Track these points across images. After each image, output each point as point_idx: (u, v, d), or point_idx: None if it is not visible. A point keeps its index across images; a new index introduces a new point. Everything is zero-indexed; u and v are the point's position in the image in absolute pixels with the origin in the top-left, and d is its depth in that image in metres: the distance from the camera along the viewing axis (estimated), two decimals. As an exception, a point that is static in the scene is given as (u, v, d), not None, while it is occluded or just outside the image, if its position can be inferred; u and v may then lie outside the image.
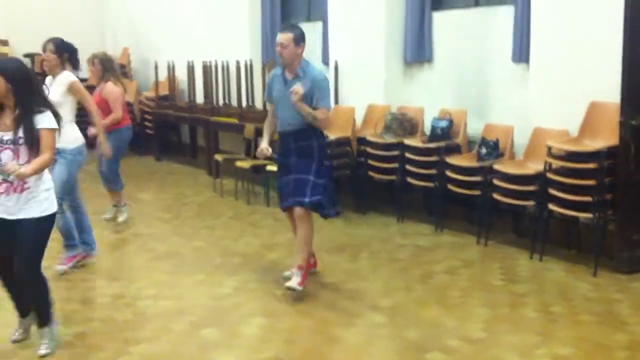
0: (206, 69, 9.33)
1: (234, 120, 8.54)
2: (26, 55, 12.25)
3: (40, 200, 3.69)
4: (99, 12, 12.91)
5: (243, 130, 8.18)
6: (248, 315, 4.40)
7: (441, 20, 7.00)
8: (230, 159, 8.05)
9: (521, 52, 6.04)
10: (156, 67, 10.36)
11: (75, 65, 5.35)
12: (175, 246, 5.96)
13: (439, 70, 7.09)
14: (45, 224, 3.73)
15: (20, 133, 3.60)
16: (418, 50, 7.13)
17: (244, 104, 8.74)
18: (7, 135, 3.64)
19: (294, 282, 4.58)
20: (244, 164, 7.66)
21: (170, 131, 11.03)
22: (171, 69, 10.03)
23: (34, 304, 3.87)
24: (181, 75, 10.16)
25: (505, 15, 6.25)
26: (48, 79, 5.24)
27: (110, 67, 6.60)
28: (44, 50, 5.21)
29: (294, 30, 4.61)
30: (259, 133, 7.98)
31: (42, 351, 3.80)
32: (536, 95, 5.83)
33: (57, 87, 5.11)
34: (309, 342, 3.98)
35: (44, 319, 3.86)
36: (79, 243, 5.30)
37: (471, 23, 6.73)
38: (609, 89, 5.08)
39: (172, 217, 7.00)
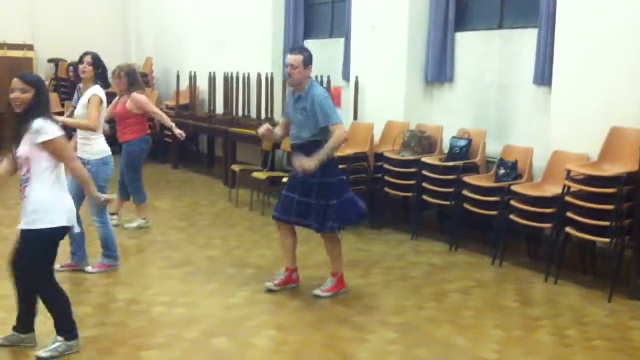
0: (227, 81, 9.41)
1: (253, 132, 8.58)
2: (50, 61, 12.47)
3: (32, 211, 3.67)
4: (124, 21, 13.09)
5: (261, 142, 8.22)
6: (259, 326, 4.39)
7: (464, 40, 7.01)
8: (247, 170, 8.09)
9: (544, 75, 6.04)
10: (178, 77, 10.47)
11: (105, 83, 5.45)
12: (189, 255, 5.98)
13: (459, 90, 7.10)
14: (37, 237, 3.69)
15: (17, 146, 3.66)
16: (439, 69, 7.15)
17: (263, 116, 8.79)
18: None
19: (320, 289, 4.93)
20: (261, 175, 7.69)
21: (189, 140, 11.10)
22: (193, 80, 10.12)
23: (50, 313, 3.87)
24: (202, 85, 10.24)
25: (529, 38, 6.26)
26: (80, 87, 5.53)
27: (135, 81, 6.70)
28: (81, 61, 5.34)
29: (304, 53, 4.80)
30: (276, 145, 8.03)
31: (41, 354, 3.78)
32: (557, 119, 5.82)
33: (85, 99, 5.28)
34: (319, 357, 3.96)
35: (60, 331, 3.84)
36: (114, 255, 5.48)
37: (494, 45, 6.73)
38: (631, 114, 5.07)
39: (187, 226, 7.03)
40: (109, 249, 5.42)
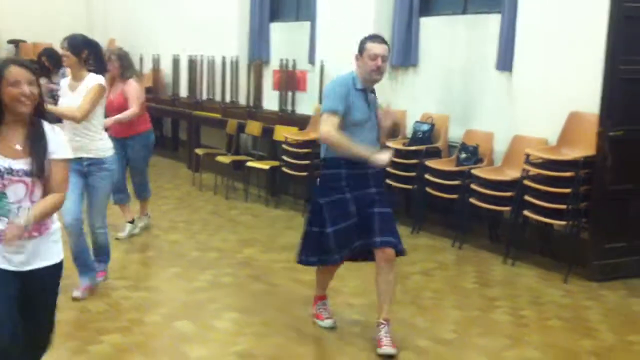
0: (192, 64, 9.33)
1: (217, 116, 8.55)
2: (10, 42, 12.18)
3: (57, 240, 2.83)
4: (88, 2, 12.84)
5: (225, 125, 8.19)
6: (221, 309, 4.40)
7: (428, 25, 7.04)
8: (211, 153, 8.05)
9: (505, 61, 6.10)
10: (141, 60, 10.33)
11: (98, 67, 4.64)
12: (151, 239, 5.95)
13: (423, 75, 7.14)
14: (61, 269, 2.87)
15: (37, 160, 2.65)
16: (404, 54, 7.18)
17: (227, 99, 8.75)
18: (18, 164, 2.63)
19: (388, 345, 3.76)
20: (225, 159, 7.67)
21: (152, 124, 10.98)
22: (156, 62, 10.00)
23: None
24: (166, 68, 10.13)
25: (492, 23, 6.31)
26: (64, 81, 4.64)
27: (129, 64, 5.87)
28: (62, 46, 4.53)
29: (386, 42, 3.95)
30: (241, 129, 8.01)
31: None
32: (518, 104, 5.90)
33: (83, 88, 4.40)
34: (282, 338, 3.99)
35: None
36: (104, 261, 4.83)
37: (458, 30, 6.78)
38: (589, 100, 5.16)
39: (150, 210, 6.96)
40: (109, 256, 4.86)
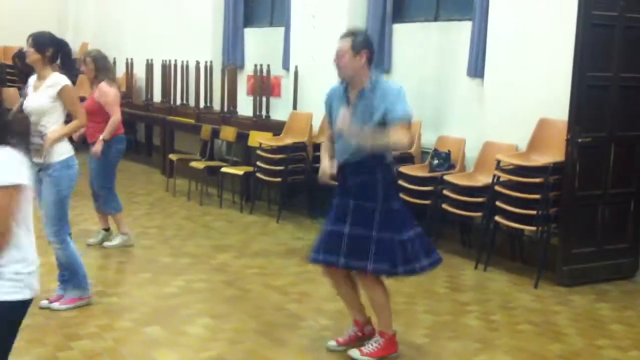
0: (165, 68, 9.28)
1: (191, 121, 8.51)
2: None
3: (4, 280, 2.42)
4: (61, 5, 12.72)
5: (200, 131, 8.16)
6: (193, 315, 4.38)
7: (401, 32, 7.10)
8: (185, 159, 8.02)
9: (477, 68, 6.18)
10: (115, 64, 10.22)
11: (66, 65, 4.52)
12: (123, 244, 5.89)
13: (396, 80, 7.17)
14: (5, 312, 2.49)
15: None
16: (377, 60, 7.14)
17: (201, 104, 8.71)
18: None
19: (359, 351, 3.73)
20: (199, 164, 7.64)
21: (126, 129, 10.88)
22: (130, 66, 9.94)
23: None
24: (139, 73, 10.07)
25: (463, 30, 6.39)
26: (32, 79, 4.46)
27: (104, 67, 5.72)
28: (27, 43, 4.35)
29: (354, 36, 3.65)
30: (215, 134, 7.99)
31: None
32: (489, 110, 5.98)
33: (45, 90, 4.27)
34: (254, 344, 3.98)
35: None
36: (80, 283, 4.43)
37: (430, 36, 6.85)
38: (558, 106, 5.24)
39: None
40: (76, 275, 4.41)
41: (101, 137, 5.54)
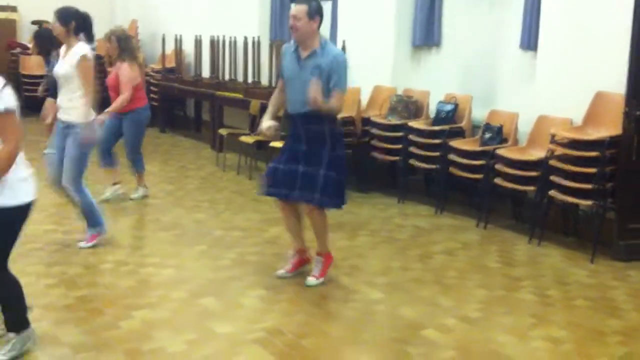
0: (213, 44, 9.34)
1: (239, 96, 8.57)
2: (34, 22, 12.29)
3: (9, 187, 3.07)
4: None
5: (248, 106, 8.21)
6: (247, 287, 4.45)
7: (452, 5, 6.99)
8: (234, 133, 8.09)
9: (530, 40, 6.06)
10: (163, 40, 10.37)
11: (88, 36, 4.97)
12: (177, 217, 6.01)
13: (446, 54, 7.10)
14: (9, 214, 3.09)
15: None
16: (427, 33, 7.14)
17: (249, 80, 8.76)
18: None
19: (312, 277, 4.47)
20: (248, 139, 7.70)
21: (175, 104, 11.05)
22: (178, 43, 10.03)
23: None
24: (188, 49, 10.16)
25: (516, 2, 6.26)
26: (62, 48, 4.99)
27: (126, 47, 6.24)
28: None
29: (309, 2, 4.19)
30: (264, 109, 8.01)
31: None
32: (542, 83, 5.86)
33: (70, 58, 4.82)
34: (307, 315, 4.03)
35: (10, 325, 3.33)
36: (101, 222, 5.09)
37: (481, 9, 6.73)
38: (615, 79, 5.11)
39: (175, 189, 7.05)
40: (92, 215, 5.04)
41: (107, 109, 6.08)
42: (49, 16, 11.92)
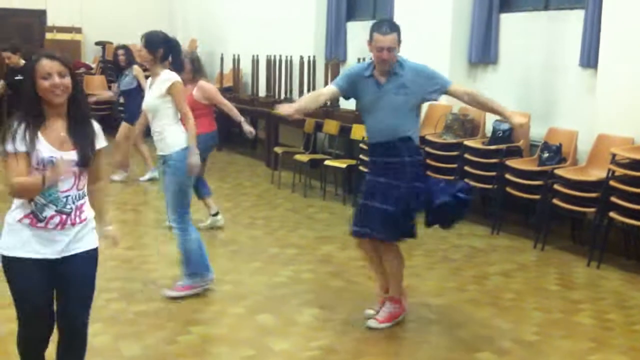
0: (270, 63, 9.50)
1: (295, 114, 8.66)
2: (97, 43, 12.74)
3: (94, 228, 2.93)
4: (170, 3, 13.26)
5: (303, 124, 8.30)
6: (302, 304, 4.50)
7: (508, 22, 6.95)
8: (289, 152, 8.19)
9: (589, 57, 5.97)
10: (222, 59, 10.60)
11: (175, 65, 4.61)
12: (234, 234, 6.12)
13: (503, 72, 7.05)
14: (96, 257, 2.96)
15: (84, 151, 2.78)
16: (483, 51, 7.11)
17: (305, 98, 8.85)
18: (69, 155, 2.74)
19: (375, 320, 4.12)
20: (303, 157, 7.78)
21: (232, 123, 11.22)
22: (236, 62, 10.24)
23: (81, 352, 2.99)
24: (245, 68, 10.36)
25: (575, 19, 6.18)
26: (149, 80, 4.63)
27: (199, 68, 6.06)
28: (141, 42, 4.54)
29: (397, 28, 3.90)
30: (319, 128, 8.12)
31: None
32: (602, 101, 5.75)
33: (158, 86, 4.44)
34: (362, 334, 4.05)
35: None
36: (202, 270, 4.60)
37: (539, 26, 6.66)
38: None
39: (231, 206, 7.17)
40: (189, 264, 4.54)
41: (241, 120, 6.10)
42: (112, 37, 12.36)
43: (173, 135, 4.46)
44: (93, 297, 2.95)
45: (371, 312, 4.21)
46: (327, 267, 5.26)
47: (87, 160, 2.77)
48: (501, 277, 5.06)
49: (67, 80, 2.70)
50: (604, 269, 5.20)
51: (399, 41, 3.89)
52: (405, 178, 3.92)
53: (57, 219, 2.74)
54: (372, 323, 4.11)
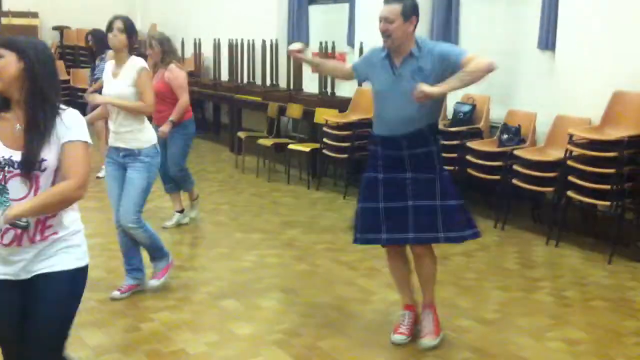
0: (232, 47, 9.42)
1: (258, 99, 8.63)
2: (55, 28, 12.47)
3: (73, 245, 2.45)
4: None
5: (266, 108, 8.28)
6: (267, 289, 4.51)
7: (468, 4, 6.99)
8: (253, 136, 8.16)
9: (547, 40, 6.04)
10: (183, 44, 10.46)
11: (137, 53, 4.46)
12: (197, 220, 6.08)
13: (463, 55, 7.09)
14: (80, 279, 2.48)
15: (43, 151, 2.28)
16: (444, 34, 7.14)
17: (268, 83, 8.82)
18: (16, 155, 2.28)
19: (428, 336, 3.68)
20: (266, 142, 7.76)
21: (194, 107, 11.12)
22: (197, 46, 10.13)
23: None
24: (207, 52, 10.25)
25: (532, 2, 6.24)
26: (108, 65, 4.38)
27: (170, 49, 5.64)
28: (111, 28, 4.20)
29: (403, 1, 3.44)
30: (282, 112, 8.09)
31: None
32: (561, 83, 5.84)
33: (126, 74, 4.20)
34: (326, 317, 4.08)
35: None
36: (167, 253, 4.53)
37: (498, 9, 6.72)
38: (634, 78, 5.09)
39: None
40: (160, 249, 4.49)
41: (170, 118, 5.49)
42: (69, 22, 12.09)
43: (146, 129, 4.25)
44: (64, 337, 2.48)
45: (398, 337, 3.72)
46: (291, 251, 5.28)
47: (29, 164, 2.26)
48: (463, 257, 5.14)
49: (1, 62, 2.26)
50: (562, 247, 5.32)
51: (405, 15, 3.41)
52: (436, 168, 3.55)
53: (10, 234, 2.30)
54: (428, 342, 3.65)
